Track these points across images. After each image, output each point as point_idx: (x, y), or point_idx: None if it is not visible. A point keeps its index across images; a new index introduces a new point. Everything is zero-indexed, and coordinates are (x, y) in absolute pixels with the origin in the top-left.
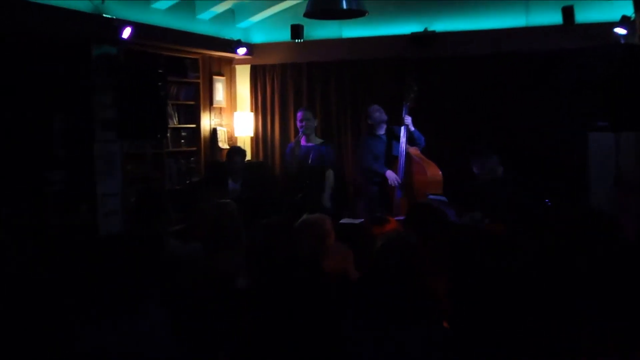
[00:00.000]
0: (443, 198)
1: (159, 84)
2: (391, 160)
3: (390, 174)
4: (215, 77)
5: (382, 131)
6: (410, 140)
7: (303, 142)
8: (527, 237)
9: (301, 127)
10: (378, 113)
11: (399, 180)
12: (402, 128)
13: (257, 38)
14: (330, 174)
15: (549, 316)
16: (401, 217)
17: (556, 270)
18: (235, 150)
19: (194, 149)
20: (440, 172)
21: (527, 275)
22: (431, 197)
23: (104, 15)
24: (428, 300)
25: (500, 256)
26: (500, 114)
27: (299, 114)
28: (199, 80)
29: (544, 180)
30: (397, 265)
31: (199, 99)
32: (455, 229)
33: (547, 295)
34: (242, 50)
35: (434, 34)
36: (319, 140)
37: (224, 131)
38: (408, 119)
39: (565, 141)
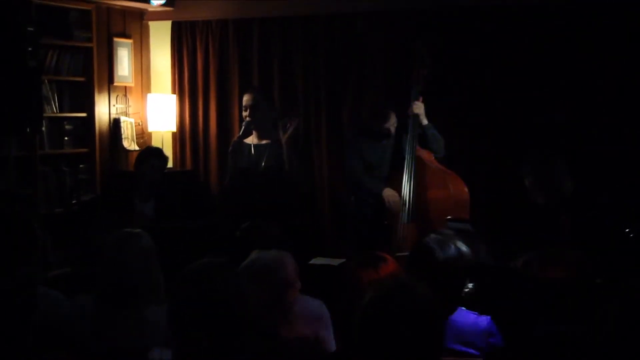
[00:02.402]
0: (468, 226)
1: (29, 49)
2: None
3: (388, 193)
4: (117, 40)
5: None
6: (422, 139)
7: (252, 140)
8: (605, 290)
9: (244, 116)
10: (392, 126)
11: (396, 202)
12: (410, 120)
13: None
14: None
15: None
16: (405, 253)
17: None
18: (152, 152)
19: (85, 150)
20: (467, 189)
21: (603, 349)
22: (451, 224)
23: None
24: None
25: (562, 319)
26: (558, 99)
27: (244, 98)
28: (91, 44)
29: (622, 198)
30: (398, 331)
31: (91, 73)
32: (490, 277)
33: None
34: None
35: None
36: (277, 136)
37: (131, 123)
38: (418, 106)
39: None
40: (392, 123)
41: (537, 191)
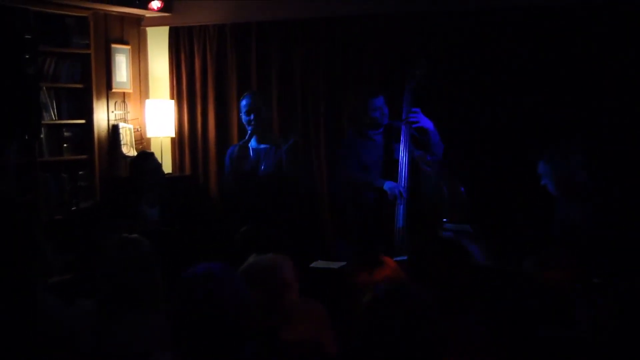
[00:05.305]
0: (466, 227)
1: (27, 56)
2: (389, 170)
3: (390, 185)
4: (114, 46)
5: (376, 130)
6: (419, 144)
7: (251, 143)
8: (606, 291)
9: (248, 121)
10: (379, 112)
11: (404, 192)
12: (402, 127)
13: None
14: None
15: None
16: (403, 258)
17: None
18: (148, 155)
19: (84, 157)
20: (463, 189)
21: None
22: (449, 225)
23: None
24: None
25: (563, 321)
26: (559, 98)
27: (244, 102)
28: (89, 51)
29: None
30: (397, 334)
31: (89, 79)
32: (492, 279)
33: None
34: (156, 4)
35: None
36: (276, 140)
37: (130, 130)
38: (418, 116)
39: None
40: (382, 116)
41: (550, 177)
